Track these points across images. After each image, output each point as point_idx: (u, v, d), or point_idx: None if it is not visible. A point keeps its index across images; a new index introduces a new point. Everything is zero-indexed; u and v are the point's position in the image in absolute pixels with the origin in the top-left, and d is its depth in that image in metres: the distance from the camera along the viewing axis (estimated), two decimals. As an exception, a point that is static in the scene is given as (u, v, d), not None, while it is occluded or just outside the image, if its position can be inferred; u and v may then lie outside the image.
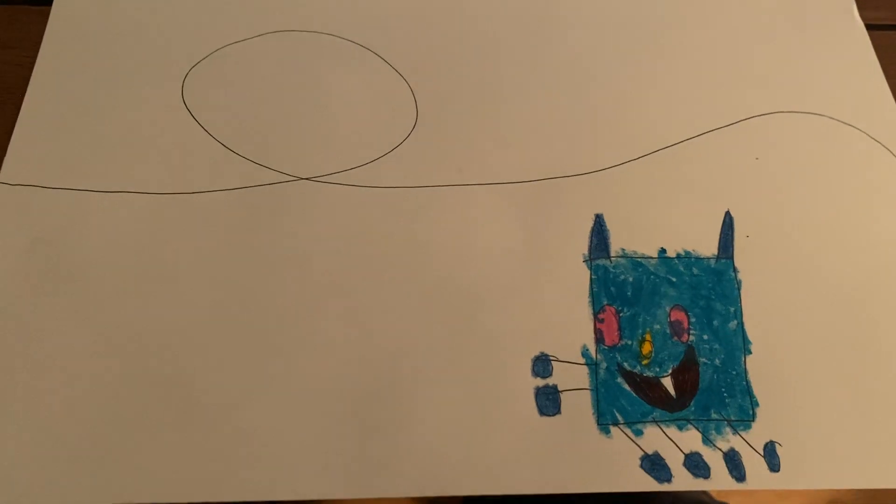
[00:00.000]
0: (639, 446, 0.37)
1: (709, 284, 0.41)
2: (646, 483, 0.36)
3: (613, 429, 0.38)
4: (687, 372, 0.39)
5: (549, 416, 0.38)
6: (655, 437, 0.37)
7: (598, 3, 0.51)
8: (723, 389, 0.39)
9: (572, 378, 0.39)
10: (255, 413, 0.37)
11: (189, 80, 0.46)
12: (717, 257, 0.42)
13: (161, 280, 0.40)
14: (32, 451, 0.35)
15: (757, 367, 0.39)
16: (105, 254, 0.40)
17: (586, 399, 0.38)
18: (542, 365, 0.39)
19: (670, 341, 0.40)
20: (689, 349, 0.40)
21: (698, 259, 0.42)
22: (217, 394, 0.37)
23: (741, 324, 0.40)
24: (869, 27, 0.52)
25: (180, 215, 0.42)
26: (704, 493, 0.37)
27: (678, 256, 0.42)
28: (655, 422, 0.38)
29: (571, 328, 0.40)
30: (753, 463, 0.37)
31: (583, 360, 0.39)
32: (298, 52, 0.48)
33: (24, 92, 0.45)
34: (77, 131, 0.44)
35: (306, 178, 0.43)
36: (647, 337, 0.40)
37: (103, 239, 0.41)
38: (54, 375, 0.37)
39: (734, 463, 0.37)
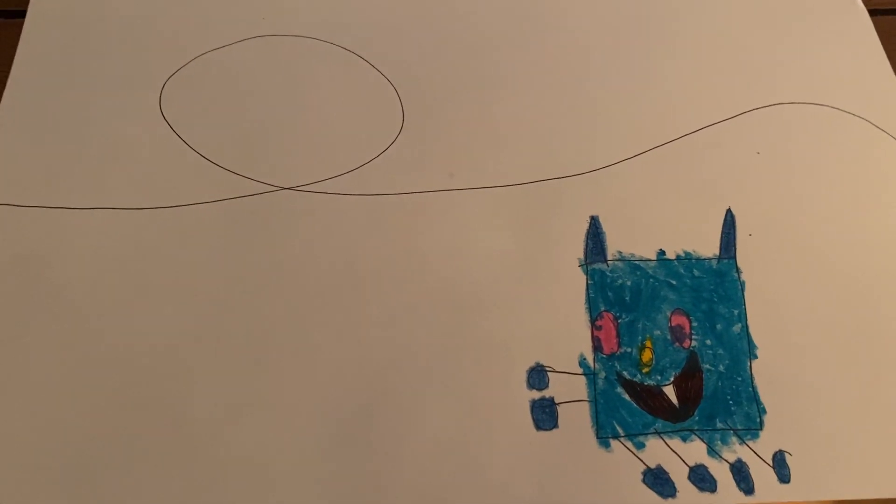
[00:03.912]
0: (641, 460, 0.36)
1: (711, 286, 0.40)
2: (649, 499, 0.35)
3: (614, 442, 0.36)
4: (690, 379, 0.38)
5: (546, 430, 0.36)
6: (658, 450, 0.36)
7: (588, -3, 0.50)
8: (728, 397, 0.37)
9: (569, 389, 0.37)
10: (244, 430, 0.36)
11: (167, 89, 0.45)
12: (719, 258, 0.41)
13: (143, 297, 0.39)
14: (16, 471, 0.35)
15: (763, 373, 0.38)
16: (84, 272, 0.39)
17: (585, 411, 0.37)
18: (537, 376, 0.37)
19: (672, 347, 0.38)
20: (692, 355, 0.38)
21: (699, 260, 0.41)
22: (205, 411, 0.36)
23: (746, 327, 0.39)
24: (872, 12, 0.50)
25: (161, 230, 0.41)
26: None
27: (678, 258, 0.41)
28: (658, 433, 0.36)
29: (568, 336, 0.38)
30: (762, 474, 0.36)
31: (580, 370, 0.38)
32: (278, 58, 0.47)
33: (-2, 108, 0.44)
34: (52, 147, 0.43)
35: (289, 188, 0.42)
36: (648, 343, 0.38)
37: (82, 257, 0.40)
38: (36, 396, 0.36)
39: (742, 475, 0.36)
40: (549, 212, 0.42)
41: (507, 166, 0.43)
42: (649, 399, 0.37)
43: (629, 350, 0.38)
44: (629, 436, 0.36)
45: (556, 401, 0.37)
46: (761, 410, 0.37)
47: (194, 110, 0.44)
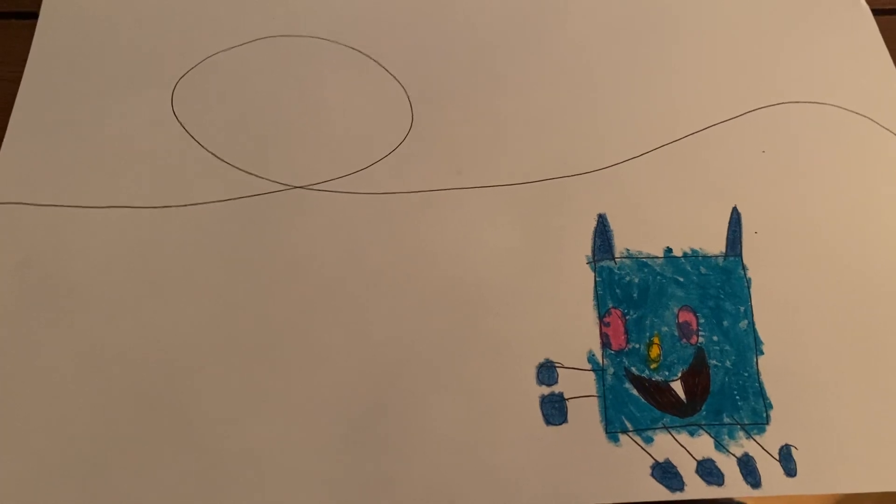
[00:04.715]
0: (649, 454, 0.36)
1: (717, 283, 0.40)
2: (657, 492, 0.35)
3: (622, 436, 0.36)
4: (697, 375, 0.38)
5: (556, 425, 0.37)
6: (666, 444, 0.36)
7: (595, -3, 0.51)
8: (735, 392, 0.38)
9: (578, 385, 0.38)
10: (254, 429, 0.36)
11: (179, 89, 0.45)
12: (726, 255, 0.41)
13: (154, 296, 0.39)
14: (24, 471, 0.35)
15: (770, 368, 0.38)
16: (96, 270, 0.40)
17: (593, 406, 0.37)
18: (547, 372, 0.38)
19: (679, 344, 0.39)
20: (699, 351, 0.39)
21: (706, 257, 0.41)
22: (214, 410, 0.37)
23: (752, 323, 0.39)
24: (875, 12, 0.50)
25: (172, 229, 0.41)
26: (729, 500, 0.35)
27: (685, 255, 0.41)
28: (666, 428, 0.37)
29: (576, 333, 0.39)
30: (769, 468, 0.36)
31: (589, 366, 0.38)
32: (288, 58, 0.47)
33: (11, 108, 0.44)
34: (65, 146, 0.43)
35: (300, 187, 0.42)
36: (655, 340, 0.39)
37: (94, 255, 0.40)
38: (46, 395, 0.36)
39: (749, 468, 0.36)
40: (557, 210, 0.42)
41: (514, 165, 0.44)
42: (657, 394, 0.38)
43: (637, 346, 0.39)
44: (637, 430, 0.37)
45: (566, 396, 0.37)
46: (767, 405, 0.37)
47: (206, 110, 0.45)
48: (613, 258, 0.41)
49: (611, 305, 0.39)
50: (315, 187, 0.42)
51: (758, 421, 0.37)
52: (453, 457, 0.36)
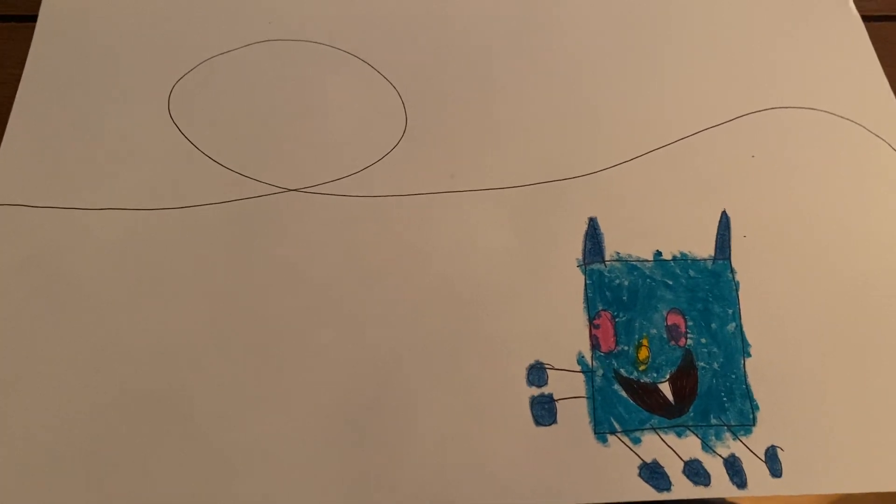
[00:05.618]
0: (637, 455, 0.37)
1: (706, 286, 0.41)
2: (645, 492, 0.36)
3: (611, 437, 0.37)
4: (685, 377, 0.39)
5: (545, 425, 0.37)
6: (654, 445, 0.37)
7: (586, 4, 0.51)
8: (722, 394, 0.38)
9: (568, 386, 0.38)
10: (250, 426, 0.37)
11: (175, 92, 0.46)
12: (714, 258, 0.41)
13: (152, 296, 0.39)
14: (27, 468, 0.35)
15: (757, 370, 0.39)
16: (95, 271, 0.40)
17: (583, 407, 0.38)
18: (536, 373, 0.38)
19: (667, 346, 0.39)
20: (687, 353, 0.39)
21: (695, 261, 0.41)
22: (211, 408, 0.37)
23: (740, 326, 0.40)
24: (865, 19, 0.51)
25: (169, 230, 0.41)
26: (721, 500, 0.36)
27: (674, 259, 0.41)
28: (654, 429, 0.37)
29: (566, 335, 0.39)
30: (755, 469, 0.36)
31: (578, 368, 0.38)
32: (284, 62, 0.47)
33: (10, 110, 0.44)
34: (64, 149, 0.44)
35: (295, 190, 0.43)
36: (644, 342, 0.39)
37: (92, 256, 0.40)
38: (47, 395, 0.37)
39: (735, 469, 0.36)
40: (549, 213, 0.43)
41: (507, 168, 0.44)
42: (645, 396, 0.38)
43: (626, 348, 0.39)
44: (626, 431, 0.37)
45: (555, 397, 0.38)
46: (754, 407, 0.38)
47: (202, 113, 0.45)
48: (604, 261, 0.41)
49: (600, 308, 0.40)
50: (310, 190, 0.43)
51: (744, 422, 0.38)
52: (445, 455, 0.36)
